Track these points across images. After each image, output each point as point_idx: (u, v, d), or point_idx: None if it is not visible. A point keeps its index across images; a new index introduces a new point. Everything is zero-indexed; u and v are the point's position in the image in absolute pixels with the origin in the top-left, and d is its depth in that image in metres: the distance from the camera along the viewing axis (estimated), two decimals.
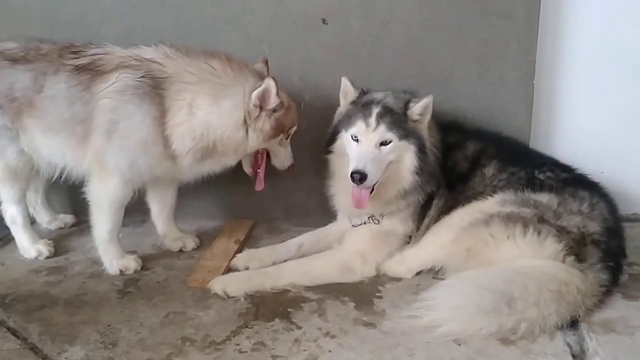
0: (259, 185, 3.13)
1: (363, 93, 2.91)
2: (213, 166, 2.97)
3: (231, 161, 2.98)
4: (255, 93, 2.77)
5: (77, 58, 2.86)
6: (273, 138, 2.92)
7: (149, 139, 2.79)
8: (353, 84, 2.93)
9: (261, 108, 2.81)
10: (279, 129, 2.90)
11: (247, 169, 3.12)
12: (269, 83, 2.77)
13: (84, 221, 3.41)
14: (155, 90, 2.77)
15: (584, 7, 3.30)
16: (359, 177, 2.67)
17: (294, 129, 3.02)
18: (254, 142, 2.88)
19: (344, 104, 2.97)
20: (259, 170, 3.10)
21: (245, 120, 2.81)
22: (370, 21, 3.23)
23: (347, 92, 2.94)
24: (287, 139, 3.02)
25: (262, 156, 3.07)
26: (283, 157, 3.08)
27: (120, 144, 2.78)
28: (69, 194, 3.57)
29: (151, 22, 3.27)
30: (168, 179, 3.08)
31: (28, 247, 3.15)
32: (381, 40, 3.24)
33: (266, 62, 2.99)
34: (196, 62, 2.83)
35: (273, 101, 2.80)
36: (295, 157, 3.33)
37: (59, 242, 3.30)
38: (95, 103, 2.78)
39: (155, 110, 2.77)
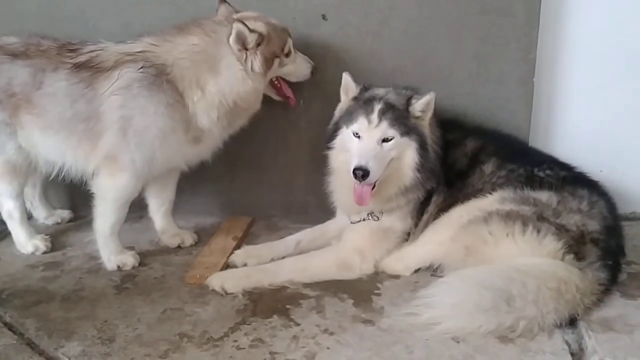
0: (292, 102, 3.16)
1: (365, 89, 2.90)
2: (243, 122, 3.01)
3: (255, 108, 3.00)
4: (231, 40, 2.77)
5: (75, 56, 2.85)
6: (270, 68, 2.91)
7: (167, 129, 2.78)
8: (354, 80, 2.92)
9: (246, 49, 2.81)
10: (270, 59, 2.89)
11: (275, 97, 3.13)
12: (237, 27, 2.76)
13: (81, 217, 3.44)
14: (160, 77, 2.76)
15: (584, 5, 3.29)
16: (361, 173, 2.66)
17: (288, 45, 2.98)
18: (258, 82, 2.88)
19: (345, 100, 2.95)
20: (286, 94, 3.12)
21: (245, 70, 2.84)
22: (369, 18, 3.21)
23: (348, 88, 2.93)
24: (287, 56, 2.99)
25: (279, 81, 3.08)
26: (297, 72, 3.07)
27: (136, 140, 2.77)
28: (66, 190, 3.55)
29: (149, 18, 3.24)
30: (187, 165, 3.06)
31: (25, 242, 3.14)
32: (381, 37, 3.23)
33: (224, 1, 2.97)
34: (179, 45, 2.83)
35: (250, 39, 2.79)
36: (294, 153, 3.34)
37: (56, 238, 3.28)
38: (101, 101, 2.77)
39: (167, 97, 2.76)
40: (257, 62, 2.84)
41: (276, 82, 3.09)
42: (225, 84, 2.82)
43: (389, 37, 3.23)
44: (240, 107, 2.89)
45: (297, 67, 3.07)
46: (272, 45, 2.90)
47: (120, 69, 2.77)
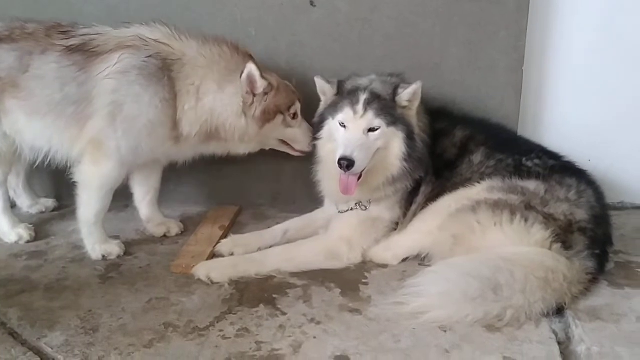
0: (309, 148, 3.06)
1: (342, 83, 2.86)
2: (218, 149, 2.98)
3: (241, 149, 2.98)
4: (243, 78, 2.75)
5: (67, 38, 2.80)
6: (268, 122, 2.88)
7: (156, 122, 2.75)
8: (327, 80, 2.87)
9: (254, 94, 2.79)
10: (272, 112, 2.87)
11: (294, 153, 3.09)
12: (250, 67, 2.74)
13: (66, 205, 3.40)
14: (162, 71, 2.73)
15: None
16: (346, 163, 2.64)
17: (295, 107, 2.96)
18: (252, 129, 2.85)
19: (325, 99, 2.91)
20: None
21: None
22: (359, 4, 3.18)
23: (324, 91, 2.89)
24: (293, 118, 2.97)
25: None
26: (300, 139, 3.02)
27: (124, 127, 2.73)
28: (50, 178, 3.51)
29: (135, 2, 3.20)
30: (164, 159, 3.04)
31: (8, 231, 3.10)
32: (370, 24, 3.20)
33: (250, 56, 2.91)
34: (207, 44, 2.81)
35: (260, 85, 2.78)
36: None
37: (40, 227, 3.24)
38: (93, 84, 2.73)
39: (164, 92, 2.73)
40: (259, 110, 2.81)
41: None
42: (220, 106, 2.79)
43: (378, 23, 3.20)
44: (219, 135, 2.86)
45: (302, 133, 3.01)
46: (279, 99, 2.88)
47: (121, 53, 2.73)
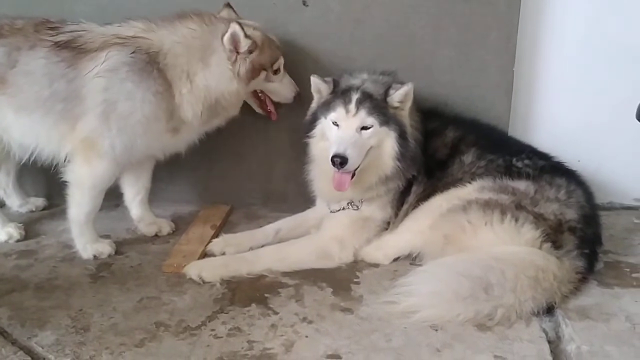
0: (273, 117, 3.18)
1: (337, 82, 2.87)
2: (220, 121, 2.99)
3: (234, 112, 2.99)
4: (225, 38, 2.76)
5: (56, 35, 2.78)
6: (253, 79, 2.90)
7: (151, 117, 2.74)
8: (323, 79, 2.88)
9: (238, 52, 2.79)
10: (257, 69, 2.89)
11: (257, 109, 3.15)
12: (234, 27, 2.75)
13: (56, 205, 3.38)
14: (150, 65, 2.72)
15: None
16: (339, 160, 2.65)
17: (279, 62, 2.98)
18: (241, 87, 2.86)
19: (319, 98, 2.91)
20: (268, 108, 3.14)
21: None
22: (351, 4, 3.18)
23: (320, 89, 2.89)
24: (274, 74, 2.99)
25: (264, 95, 3.10)
26: (281, 92, 3.06)
27: (119, 125, 2.72)
28: (41, 177, 3.48)
29: (126, 1, 3.18)
30: (161, 154, 3.03)
31: None
32: (362, 24, 3.20)
33: (229, 5, 2.97)
34: (178, 30, 2.80)
35: (244, 44, 2.78)
36: (274, 142, 3.31)
37: (30, 226, 3.22)
38: (83, 83, 2.71)
39: (156, 85, 2.73)
40: (243, 68, 2.82)
41: (261, 96, 3.09)
42: (212, 79, 2.80)
43: (370, 24, 3.20)
44: (221, 105, 2.87)
45: (283, 87, 3.05)
46: (263, 56, 2.88)
47: (107, 51, 2.71)
